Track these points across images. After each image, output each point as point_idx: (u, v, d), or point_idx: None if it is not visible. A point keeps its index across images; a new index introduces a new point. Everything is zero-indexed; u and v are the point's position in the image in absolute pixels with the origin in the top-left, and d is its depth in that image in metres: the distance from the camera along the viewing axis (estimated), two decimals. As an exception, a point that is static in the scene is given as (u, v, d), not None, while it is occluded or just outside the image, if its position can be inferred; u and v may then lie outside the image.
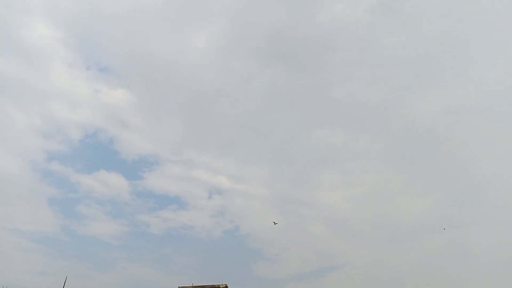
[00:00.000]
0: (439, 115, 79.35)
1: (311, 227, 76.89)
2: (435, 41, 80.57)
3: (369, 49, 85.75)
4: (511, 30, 74.80)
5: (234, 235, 76.20)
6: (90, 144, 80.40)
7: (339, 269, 66.92)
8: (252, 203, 79.70)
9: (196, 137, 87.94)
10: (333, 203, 77.00)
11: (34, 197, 68.85)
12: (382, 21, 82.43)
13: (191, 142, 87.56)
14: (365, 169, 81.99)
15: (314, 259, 69.05)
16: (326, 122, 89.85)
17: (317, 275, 66.45)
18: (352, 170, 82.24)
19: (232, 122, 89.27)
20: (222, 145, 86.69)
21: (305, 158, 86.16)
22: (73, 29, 79.96)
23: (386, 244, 69.44)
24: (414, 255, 65.54)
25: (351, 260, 67.74)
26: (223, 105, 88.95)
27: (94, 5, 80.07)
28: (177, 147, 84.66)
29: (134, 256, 70.27)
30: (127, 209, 75.90)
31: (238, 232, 75.90)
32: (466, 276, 53.09)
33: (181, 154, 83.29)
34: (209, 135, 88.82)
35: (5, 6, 71.86)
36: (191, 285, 38.36)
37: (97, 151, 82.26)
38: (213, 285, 38.14)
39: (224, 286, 37.87)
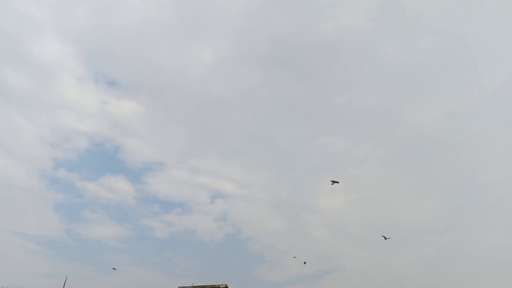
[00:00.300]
0: (440, 120, 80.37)
1: (312, 231, 77.89)
2: (435, 48, 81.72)
3: (370, 56, 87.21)
4: (511, 37, 75.73)
5: (236, 238, 77.62)
6: (97, 153, 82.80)
7: (338, 272, 67.99)
8: (254, 208, 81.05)
9: (201, 145, 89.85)
10: (334, 208, 78.00)
11: (40, 202, 70.89)
12: (383, 28, 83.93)
13: (196, 150, 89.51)
14: (366, 175, 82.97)
15: (314, 262, 69.76)
16: (329, 129, 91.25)
17: (317, 278, 67.43)
18: (353, 176, 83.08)
19: (236, 130, 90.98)
20: (226, 152, 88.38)
21: (307, 164, 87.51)
22: (82, 44, 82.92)
23: (386, 247, 69.93)
24: (413, 258, 66.43)
25: (350, 262, 68.90)
26: (228, 114, 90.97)
27: (104, 21, 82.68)
28: (182, 154, 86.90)
29: (137, 259, 71.91)
30: (132, 213, 77.71)
31: (240, 236, 77.32)
32: (464, 278, 53.50)
33: (186, 162, 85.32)
34: (214, 143, 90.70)
35: (18, 23, 74.90)
36: (191, 285, 39.16)
37: (103, 159, 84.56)
38: (213, 285, 38.85)
39: (224, 286, 38.56)
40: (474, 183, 68.58)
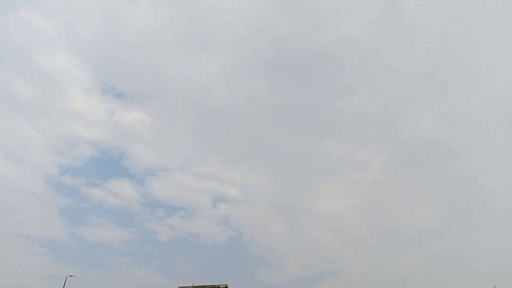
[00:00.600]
0: (440, 125, 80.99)
1: (313, 234, 78.53)
2: (435, 53, 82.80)
3: (372, 61, 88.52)
4: (511, 43, 76.48)
5: (237, 241, 78.60)
6: (102, 159, 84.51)
7: (339, 273, 68.71)
8: (256, 211, 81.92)
9: (204, 151, 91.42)
10: (335, 211, 78.60)
11: (45, 206, 72.48)
12: (384, 34, 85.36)
13: (199, 156, 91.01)
14: (368, 179, 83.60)
15: (314, 264, 70.44)
16: (331, 134, 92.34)
17: (317, 279, 68.40)
18: (354, 180, 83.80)
19: (239, 136, 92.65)
20: (229, 158, 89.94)
21: (309, 168, 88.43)
22: (90, 55, 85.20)
23: (386, 249, 70.55)
24: (413, 259, 66.74)
25: (350, 264, 69.62)
26: (232, 120, 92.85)
27: (111, 33, 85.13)
28: (186, 161, 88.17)
29: (140, 261, 73.15)
30: (136, 218, 78.87)
31: (241, 239, 78.16)
32: (464, 279, 53.66)
33: (189, 168, 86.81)
34: (218, 149, 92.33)
35: (27, 35, 77.49)
36: (191, 285, 39.78)
37: (109, 165, 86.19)
38: (213, 285, 39.43)
39: (224, 286, 39.14)
40: (473, 186, 69.12)
